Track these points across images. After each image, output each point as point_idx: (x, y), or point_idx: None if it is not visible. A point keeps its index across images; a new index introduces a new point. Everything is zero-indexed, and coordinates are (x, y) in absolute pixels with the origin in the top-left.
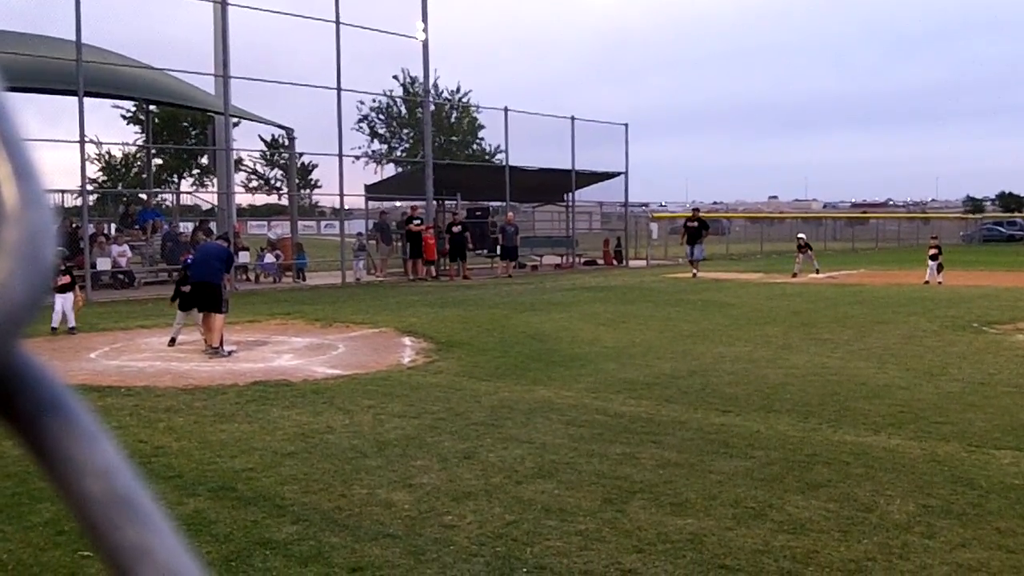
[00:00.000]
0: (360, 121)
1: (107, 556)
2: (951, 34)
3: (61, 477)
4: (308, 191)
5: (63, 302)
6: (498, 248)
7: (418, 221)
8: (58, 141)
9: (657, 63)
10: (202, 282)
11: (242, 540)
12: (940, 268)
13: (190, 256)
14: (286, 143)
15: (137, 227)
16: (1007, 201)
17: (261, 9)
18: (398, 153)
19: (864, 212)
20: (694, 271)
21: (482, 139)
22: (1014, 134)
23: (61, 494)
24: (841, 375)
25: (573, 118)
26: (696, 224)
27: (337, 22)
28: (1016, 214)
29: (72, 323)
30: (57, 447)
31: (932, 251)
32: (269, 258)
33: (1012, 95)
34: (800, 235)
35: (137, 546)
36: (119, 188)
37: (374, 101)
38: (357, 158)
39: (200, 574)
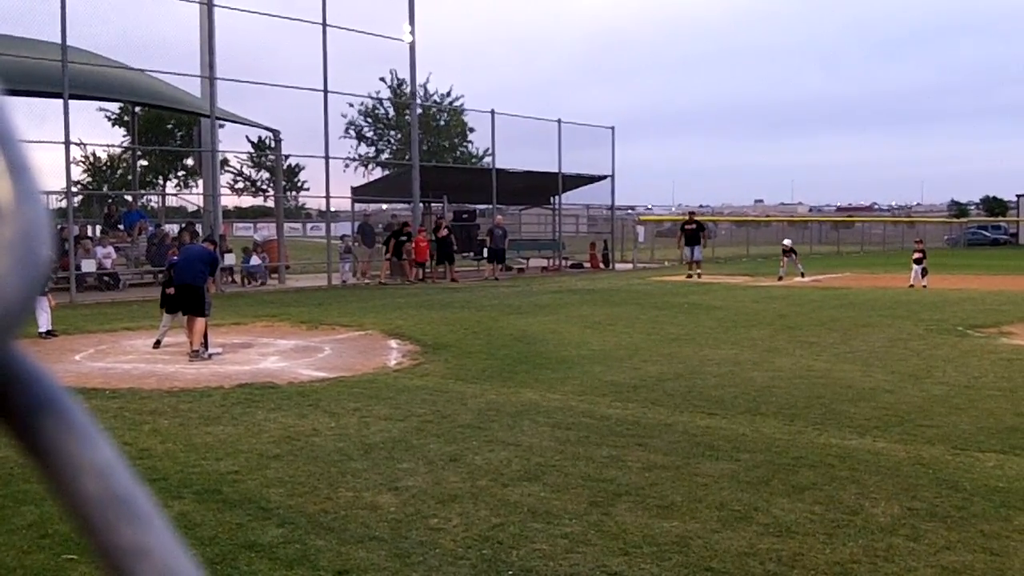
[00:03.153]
0: (347, 128)
1: (104, 556)
2: (935, 36)
3: (57, 476)
4: (294, 193)
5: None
6: (485, 251)
7: (446, 232)
8: (43, 143)
9: (644, 65)
10: (184, 285)
11: (227, 543)
12: (925, 272)
13: (174, 256)
14: (272, 145)
15: (122, 229)
16: (991, 205)
17: (247, 11)
18: (385, 155)
19: (849, 216)
20: (689, 272)
21: (470, 142)
22: (998, 137)
23: (56, 494)
24: (827, 378)
25: (560, 121)
26: (694, 226)
27: (324, 24)
28: (1000, 218)
29: (46, 326)
30: (52, 446)
31: (917, 255)
32: (255, 260)
33: (996, 98)
34: (786, 241)
35: (134, 546)
36: (104, 190)
37: (361, 104)
38: (346, 164)
39: (197, 573)
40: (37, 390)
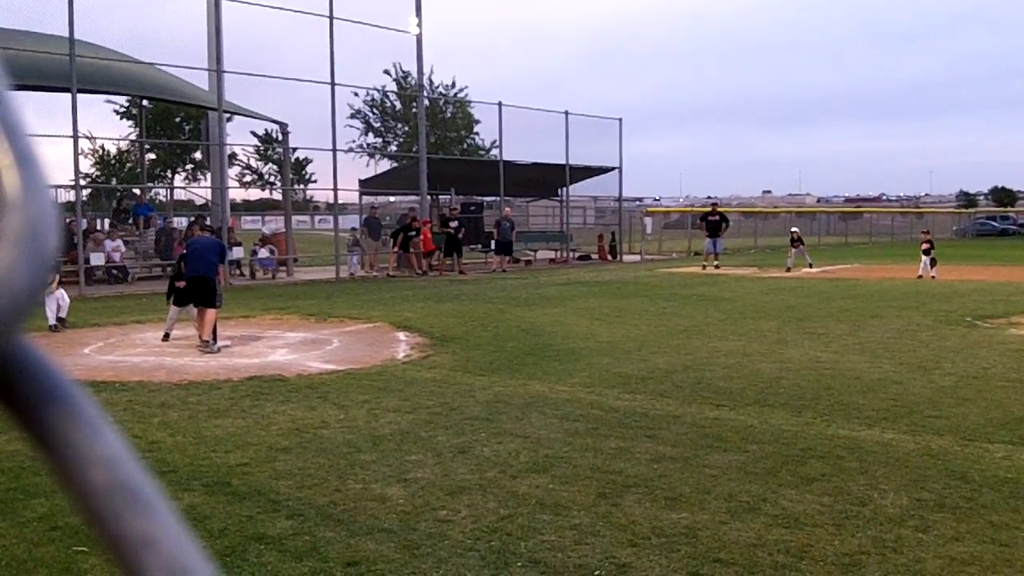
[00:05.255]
0: (353, 115)
1: (111, 547)
2: (945, 28)
3: (64, 467)
4: (302, 186)
5: (57, 298)
6: (493, 243)
7: (455, 224)
8: (52, 136)
9: (651, 57)
10: (197, 277)
11: (236, 535)
12: (933, 262)
13: (183, 249)
14: (280, 138)
15: (130, 222)
16: (1000, 196)
17: (254, 3)
18: (392, 148)
19: (858, 207)
20: (706, 264)
21: (477, 134)
22: (1008, 128)
23: (64, 484)
24: (835, 369)
25: (567, 113)
26: (717, 218)
27: (331, 17)
28: (1009, 208)
29: (54, 318)
30: (60, 437)
31: (924, 245)
32: (264, 253)
33: (1006, 89)
34: (794, 228)
35: (141, 536)
36: (113, 183)
37: (368, 95)
38: (351, 152)
39: (205, 564)
40: (45, 381)
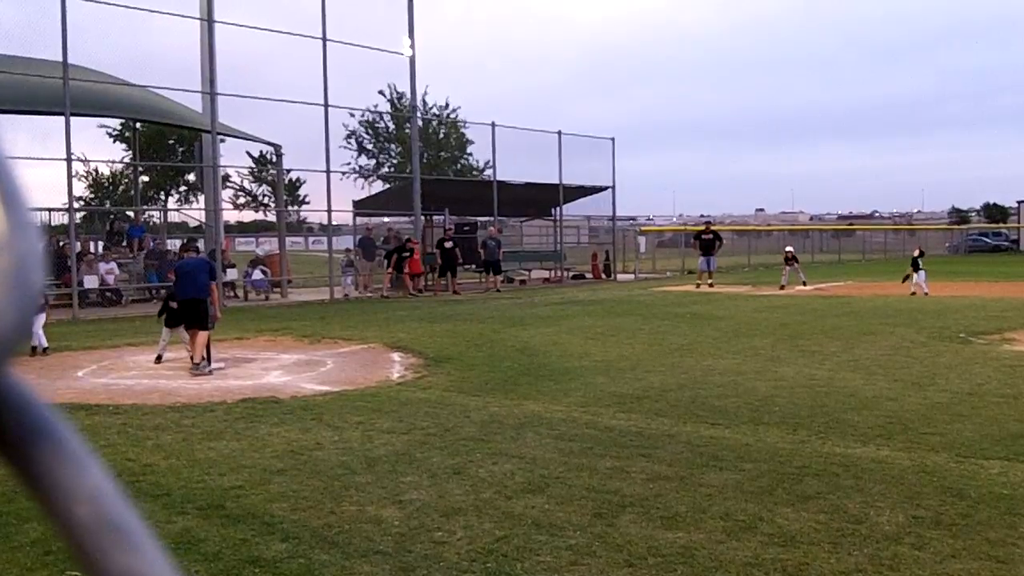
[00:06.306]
0: (348, 137)
1: None
2: (935, 43)
3: (50, 503)
4: (296, 207)
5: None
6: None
7: (450, 244)
8: (45, 159)
9: (644, 76)
10: (189, 299)
11: (231, 558)
12: (906, 278)
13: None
14: (274, 159)
15: (124, 244)
16: (992, 212)
17: (247, 26)
18: (386, 168)
19: (850, 224)
20: (699, 282)
21: (470, 154)
22: (999, 144)
23: (50, 520)
24: (829, 387)
25: (560, 133)
26: (710, 236)
27: (324, 39)
28: (1001, 225)
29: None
30: (46, 472)
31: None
32: (257, 274)
33: (996, 104)
34: (788, 248)
35: (127, 572)
36: (106, 206)
37: (363, 115)
38: (345, 174)
39: None
40: (31, 417)
